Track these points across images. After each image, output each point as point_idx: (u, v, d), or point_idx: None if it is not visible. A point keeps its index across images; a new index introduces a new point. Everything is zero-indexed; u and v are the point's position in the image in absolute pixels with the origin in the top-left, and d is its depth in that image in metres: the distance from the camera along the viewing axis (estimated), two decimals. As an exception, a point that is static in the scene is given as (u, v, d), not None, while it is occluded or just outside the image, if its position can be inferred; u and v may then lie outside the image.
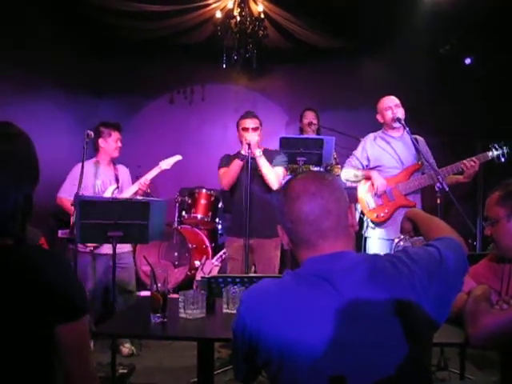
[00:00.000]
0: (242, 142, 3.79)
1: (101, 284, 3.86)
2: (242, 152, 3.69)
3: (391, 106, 3.80)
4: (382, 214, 3.76)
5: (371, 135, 3.96)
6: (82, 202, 3.05)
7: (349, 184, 4.26)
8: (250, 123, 3.78)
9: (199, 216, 5.28)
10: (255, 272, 3.87)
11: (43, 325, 1.15)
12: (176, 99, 6.61)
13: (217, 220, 5.37)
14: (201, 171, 5.69)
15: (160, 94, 6.60)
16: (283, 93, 6.56)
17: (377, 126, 3.98)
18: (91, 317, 3.58)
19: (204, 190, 5.31)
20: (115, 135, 3.99)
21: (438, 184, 3.52)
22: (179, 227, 5.27)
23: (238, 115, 4.02)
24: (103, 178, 3.98)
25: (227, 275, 2.47)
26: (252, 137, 3.66)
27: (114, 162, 4.11)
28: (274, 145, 3.79)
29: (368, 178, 3.83)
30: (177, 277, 4.95)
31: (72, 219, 3.51)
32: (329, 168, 5.01)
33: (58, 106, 5.45)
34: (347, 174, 3.95)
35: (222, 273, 3.86)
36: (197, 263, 5.00)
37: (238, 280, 2.34)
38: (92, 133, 3.68)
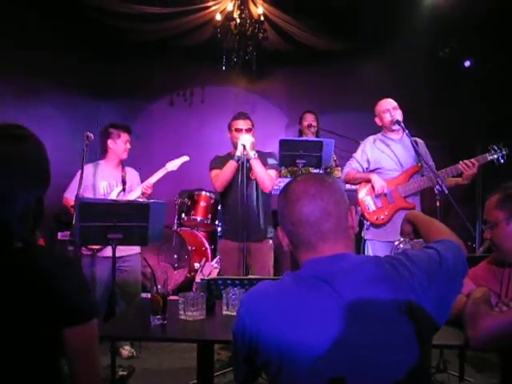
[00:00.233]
0: (234, 143, 3.72)
1: (106, 287, 3.73)
2: (238, 153, 3.59)
3: (389, 109, 3.80)
4: (381, 217, 3.76)
5: (371, 138, 3.96)
6: (81, 204, 3.05)
7: (348, 186, 4.27)
8: (243, 124, 3.71)
9: (199, 218, 5.28)
10: (250, 275, 3.86)
11: (50, 327, 1.15)
12: (176, 101, 6.62)
13: (216, 222, 5.37)
14: (200, 173, 5.67)
15: (160, 96, 6.61)
16: (283, 95, 6.57)
17: (376, 129, 3.98)
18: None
19: (204, 193, 5.32)
20: (124, 137, 3.93)
21: (437, 186, 3.52)
22: (179, 229, 5.27)
23: (237, 117, 3.99)
24: (110, 179, 3.92)
25: (227, 277, 2.47)
26: (247, 138, 3.60)
27: (123, 164, 4.05)
28: (274, 147, 3.79)
29: (368, 181, 3.84)
30: (176, 279, 4.95)
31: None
32: (329, 170, 5.02)
33: (58, 108, 5.46)
34: (347, 176, 3.95)
35: (221, 275, 3.86)
36: (196, 265, 5.01)
37: (237, 282, 2.35)
38: (92, 135, 3.65)
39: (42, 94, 5.14)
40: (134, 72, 6.18)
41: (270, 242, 3.76)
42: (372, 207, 3.81)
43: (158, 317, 2.03)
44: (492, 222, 1.85)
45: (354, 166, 3.94)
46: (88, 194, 3.81)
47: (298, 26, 5.48)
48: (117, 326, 2.20)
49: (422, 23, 5.08)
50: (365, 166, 3.90)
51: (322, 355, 1.14)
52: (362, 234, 3.88)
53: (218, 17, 5.22)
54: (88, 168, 3.80)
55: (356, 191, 3.93)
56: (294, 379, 1.18)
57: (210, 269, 4.72)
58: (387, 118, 3.80)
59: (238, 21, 5.15)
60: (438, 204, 3.57)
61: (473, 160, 3.61)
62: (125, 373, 3.35)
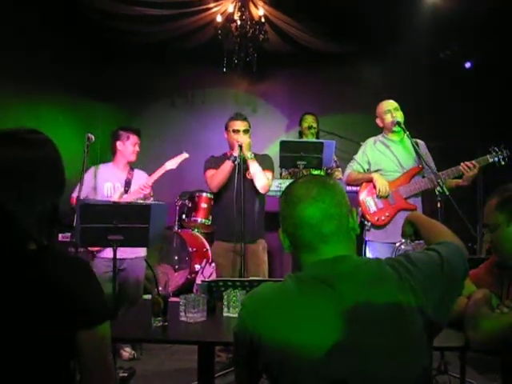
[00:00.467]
0: (231, 144, 3.71)
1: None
2: (235, 154, 3.57)
3: (390, 110, 3.81)
4: (382, 218, 3.76)
5: (371, 139, 3.97)
6: (82, 206, 3.05)
7: (349, 187, 4.27)
8: (240, 125, 3.69)
9: (199, 219, 5.29)
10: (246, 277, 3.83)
11: (61, 330, 1.15)
12: (177, 103, 6.63)
13: (217, 223, 5.37)
14: (201, 175, 5.67)
15: (161, 98, 6.62)
16: (283, 96, 6.58)
17: (377, 130, 3.98)
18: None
19: (204, 194, 5.32)
20: (133, 139, 3.92)
21: (438, 188, 3.52)
22: (179, 231, 5.27)
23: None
24: (114, 181, 3.91)
25: (227, 279, 2.47)
26: (245, 139, 3.59)
27: (131, 166, 4.03)
28: (274, 148, 3.78)
29: (370, 181, 3.84)
30: (177, 280, 4.94)
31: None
32: (329, 172, 5.02)
33: (59, 109, 5.46)
34: (349, 177, 3.95)
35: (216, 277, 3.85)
36: (197, 267, 5.01)
37: (238, 284, 2.35)
38: (92, 136, 3.66)
39: (42, 94, 5.14)
40: (135, 73, 6.19)
41: (264, 242, 3.75)
42: (373, 208, 3.81)
43: (159, 318, 2.02)
44: (492, 224, 1.84)
45: (354, 167, 3.94)
46: (93, 195, 3.82)
47: (299, 27, 5.49)
48: (117, 328, 2.19)
49: (422, 25, 5.08)
50: (365, 167, 3.90)
51: (323, 357, 1.14)
52: (363, 235, 3.88)
53: (219, 18, 5.22)
54: (97, 169, 3.88)
55: (357, 192, 3.94)
56: (296, 381, 1.18)
57: (211, 270, 4.72)
58: (388, 119, 3.80)
59: (239, 22, 5.16)
60: (439, 205, 3.58)
61: (474, 162, 3.61)
62: (125, 374, 3.34)
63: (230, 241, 3.58)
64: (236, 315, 1.94)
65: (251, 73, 5.74)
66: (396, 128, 3.79)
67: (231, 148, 3.69)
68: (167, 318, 2.04)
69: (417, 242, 1.79)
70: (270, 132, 6.23)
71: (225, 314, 2.19)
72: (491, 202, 1.82)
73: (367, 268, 1.24)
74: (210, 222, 5.27)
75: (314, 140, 5.01)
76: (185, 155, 3.99)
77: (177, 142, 6.19)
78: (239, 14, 5.17)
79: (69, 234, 3.86)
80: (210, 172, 3.73)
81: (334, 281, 1.21)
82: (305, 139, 5.21)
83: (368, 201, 3.84)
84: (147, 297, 4.03)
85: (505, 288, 1.87)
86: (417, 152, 3.76)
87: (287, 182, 4.42)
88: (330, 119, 6.06)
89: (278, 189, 4.68)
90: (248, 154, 3.58)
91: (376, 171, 3.84)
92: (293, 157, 3.72)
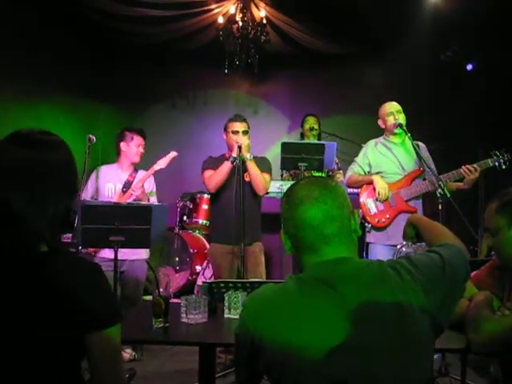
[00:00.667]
0: (230, 145, 3.69)
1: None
2: (234, 155, 3.56)
3: (393, 112, 3.81)
4: (383, 220, 3.77)
5: (372, 141, 3.97)
6: (83, 207, 3.05)
7: (350, 189, 4.27)
8: (239, 126, 3.68)
9: (200, 221, 5.29)
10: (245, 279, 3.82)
11: (71, 331, 1.15)
12: (178, 104, 6.64)
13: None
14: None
15: (162, 99, 6.63)
16: (285, 98, 6.58)
17: (378, 132, 3.98)
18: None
19: (205, 195, 5.31)
20: (138, 140, 3.91)
21: (439, 190, 3.52)
22: (180, 232, 5.27)
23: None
24: (116, 182, 3.91)
25: (229, 280, 2.47)
26: (244, 140, 3.58)
27: (135, 167, 4.01)
28: (275, 150, 3.78)
29: (371, 183, 3.84)
30: (178, 281, 4.94)
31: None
32: (331, 174, 5.02)
33: (59, 110, 5.47)
34: (350, 179, 3.96)
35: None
36: (198, 268, 5.00)
37: (239, 285, 2.35)
38: (94, 137, 3.67)
39: (43, 94, 5.14)
40: (137, 74, 6.20)
41: (261, 244, 3.75)
42: (373, 210, 3.81)
43: (160, 320, 2.02)
44: (493, 228, 1.84)
45: (355, 169, 3.94)
46: (97, 196, 3.82)
47: (300, 28, 5.49)
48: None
49: (422, 25, 5.08)
50: (366, 169, 3.90)
51: (324, 358, 1.14)
52: (364, 237, 3.88)
53: (221, 20, 5.23)
54: (101, 170, 3.89)
55: (358, 194, 3.94)
56: (297, 382, 1.18)
57: (212, 272, 4.72)
58: (390, 121, 3.81)
59: (241, 24, 5.16)
60: (440, 208, 3.58)
61: (475, 165, 3.61)
62: (126, 376, 3.34)
63: (228, 243, 3.55)
64: (237, 316, 1.93)
65: (252, 74, 5.75)
66: (398, 130, 3.79)
67: (230, 149, 3.69)
68: (168, 319, 2.04)
69: (418, 244, 1.79)
70: (271, 133, 6.23)
71: (226, 316, 2.19)
72: (491, 206, 1.82)
73: (369, 270, 1.24)
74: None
75: (315, 142, 5.00)
76: (173, 154, 3.95)
77: (178, 143, 6.19)
78: (241, 15, 5.18)
79: (70, 235, 3.85)
80: (208, 172, 3.71)
81: (336, 282, 1.21)
82: (306, 141, 5.21)
83: (369, 203, 3.84)
84: (148, 298, 4.04)
85: (506, 290, 1.87)
86: (418, 154, 3.76)
87: (288, 184, 4.41)
88: (332, 121, 6.06)
89: (279, 190, 4.67)
90: (247, 156, 3.57)
91: (377, 173, 3.84)
92: (294, 158, 3.72)
